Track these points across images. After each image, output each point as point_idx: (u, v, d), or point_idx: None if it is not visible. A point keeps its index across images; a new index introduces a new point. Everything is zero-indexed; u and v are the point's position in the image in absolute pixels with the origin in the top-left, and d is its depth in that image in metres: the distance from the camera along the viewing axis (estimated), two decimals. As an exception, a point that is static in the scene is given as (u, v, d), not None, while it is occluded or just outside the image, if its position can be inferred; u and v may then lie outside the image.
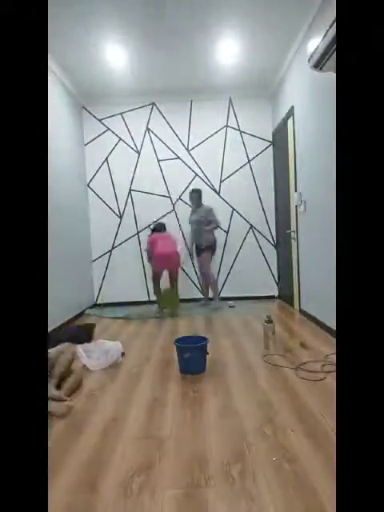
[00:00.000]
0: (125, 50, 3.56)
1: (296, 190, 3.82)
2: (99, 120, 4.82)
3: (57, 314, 3.54)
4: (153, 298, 4.87)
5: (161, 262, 3.95)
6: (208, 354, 2.30)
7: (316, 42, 2.34)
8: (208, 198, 4.86)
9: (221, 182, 4.87)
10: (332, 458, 1.35)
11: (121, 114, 4.82)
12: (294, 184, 3.88)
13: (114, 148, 4.85)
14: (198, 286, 4.92)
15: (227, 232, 4.90)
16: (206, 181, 4.87)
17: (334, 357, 2.42)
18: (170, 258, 3.94)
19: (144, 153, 4.85)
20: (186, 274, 4.90)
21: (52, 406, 1.80)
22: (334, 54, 2.23)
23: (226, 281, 4.94)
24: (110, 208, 4.89)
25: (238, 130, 4.84)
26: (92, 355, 2.49)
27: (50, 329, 3.33)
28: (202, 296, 4.87)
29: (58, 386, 2.00)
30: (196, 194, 4.33)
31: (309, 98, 3.32)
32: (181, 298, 4.51)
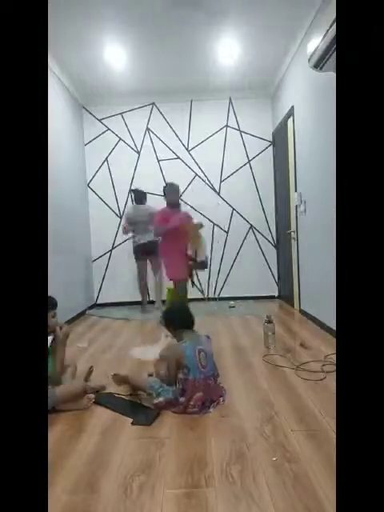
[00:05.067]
0: (125, 50, 3.56)
1: (296, 190, 3.82)
2: (99, 120, 4.82)
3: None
4: (153, 298, 4.87)
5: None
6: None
7: (316, 42, 2.34)
8: (208, 198, 4.86)
9: (221, 181, 4.87)
10: (332, 458, 1.35)
11: (121, 114, 4.82)
12: (294, 184, 3.88)
13: (113, 148, 4.84)
14: (196, 283, 4.92)
15: (227, 232, 4.89)
16: (206, 181, 4.87)
17: (334, 357, 2.42)
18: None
19: (144, 153, 4.85)
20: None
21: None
22: (334, 54, 2.23)
23: (226, 281, 4.94)
24: (110, 208, 4.89)
25: (238, 130, 4.84)
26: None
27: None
28: (202, 295, 4.87)
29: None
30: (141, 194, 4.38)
31: (309, 98, 3.32)
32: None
